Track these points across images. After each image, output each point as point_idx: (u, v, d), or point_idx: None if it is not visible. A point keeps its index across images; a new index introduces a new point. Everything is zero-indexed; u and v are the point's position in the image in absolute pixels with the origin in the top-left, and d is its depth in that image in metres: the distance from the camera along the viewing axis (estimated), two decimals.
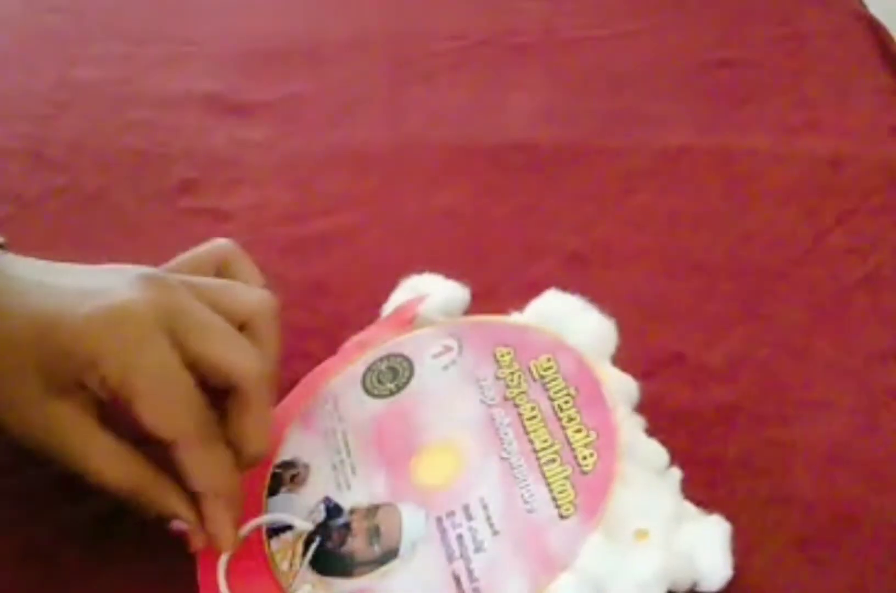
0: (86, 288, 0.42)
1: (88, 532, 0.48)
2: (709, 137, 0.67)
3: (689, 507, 0.44)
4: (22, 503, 0.49)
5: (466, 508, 0.43)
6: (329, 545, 0.43)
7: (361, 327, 0.52)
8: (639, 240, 0.61)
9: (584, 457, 0.43)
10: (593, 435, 0.44)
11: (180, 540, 0.44)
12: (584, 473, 0.43)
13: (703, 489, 0.45)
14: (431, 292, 0.51)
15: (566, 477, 0.43)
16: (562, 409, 0.45)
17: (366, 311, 0.52)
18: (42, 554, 0.47)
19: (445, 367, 0.48)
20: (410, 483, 0.44)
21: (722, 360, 0.54)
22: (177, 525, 0.43)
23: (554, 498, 0.42)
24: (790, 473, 0.49)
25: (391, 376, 0.49)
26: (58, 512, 0.49)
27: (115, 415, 0.42)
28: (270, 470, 0.46)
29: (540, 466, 0.43)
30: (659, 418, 0.47)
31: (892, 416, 0.51)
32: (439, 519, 0.43)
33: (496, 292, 0.54)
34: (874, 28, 0.76)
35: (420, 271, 0.53)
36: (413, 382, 0.48)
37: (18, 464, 0.51)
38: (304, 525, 0.44)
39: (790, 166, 0.65)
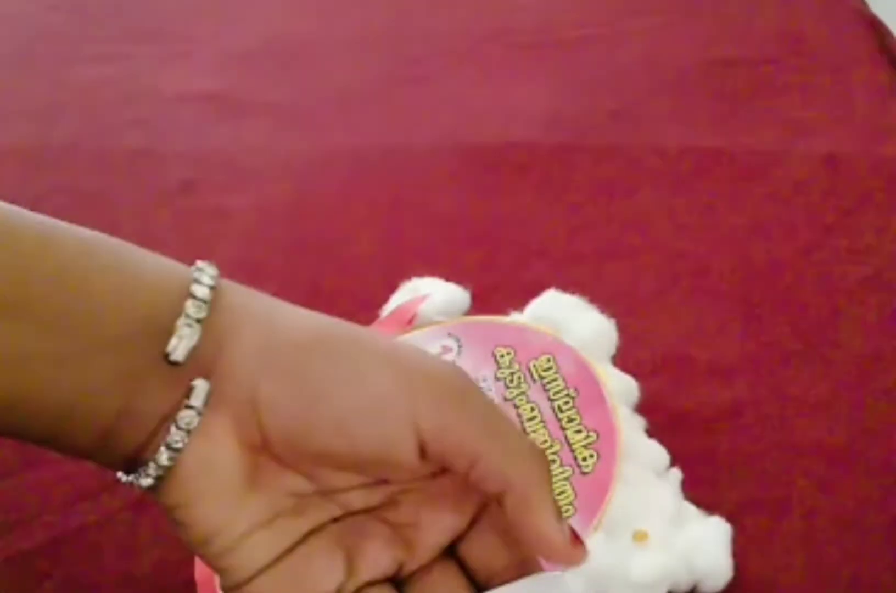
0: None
1: (89, 533, 0.48)
2: (709, 137, 0.67)
3: (690, 508, 0.43)
4: (23, 504, 0.49)
5: None
6: None
7: None
8: (639, 240, 0.61)
9: (584, 458, 0.43)
10: (593, 435, 0.44)
11: None
12: (584, 474, 0.42)
13: (703, 490, 0.44)
14: (431, 293, 0.51)
15: (566, 479, 0.42)
16: (562, 410, 0.45)
17: (365, 312, 0.52)
18: (44, 554, 0.47)
19: None
20: None
21: (722, 360, 0.54)
22: None
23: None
24: (790, 474, 0.48)
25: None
26: (59, 514, 0.49)
27: None
28: None
29: None
30: (659, 418, 0.47)
31: (892, 417, 0.51)
32: None
33: (496, 292, 0.54)
34: (875, 27, 0.76)
35: (420, 271, 0.53)
36: None
37: (18, 465, 0.51)
38: None
39: (791, 166, 0.65)
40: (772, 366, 0.53)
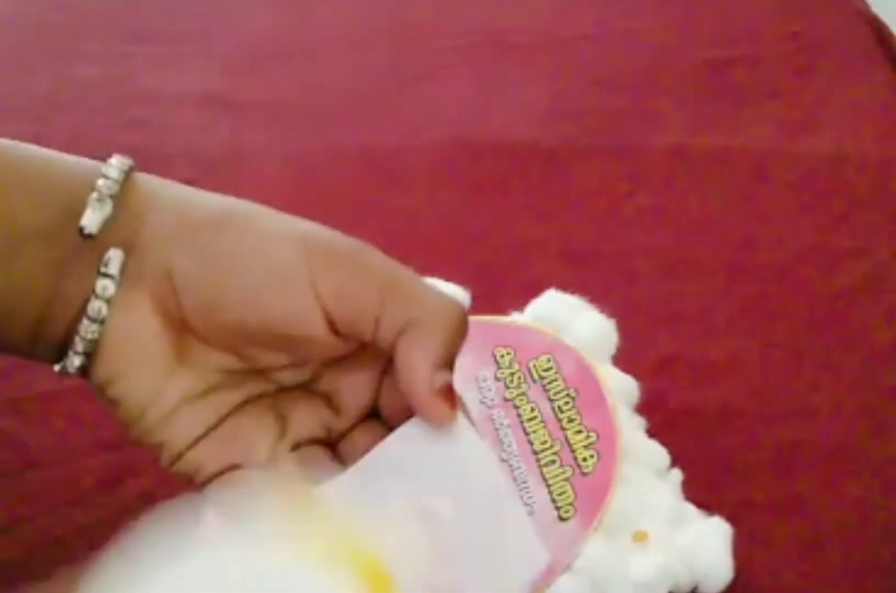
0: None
1: (89, 533, 0.48)
2: (709, 137, 0.67)
3: (690, 509, 0.43)
4: (23, 504, 0.49)
5: None
6: None
7: None
8: (639, 240, 0.61)
9: (585, 459, 0.43)
10: (594, 436, 0.44)
11: None
12: (585, 475, 0.42)
13: (703, 490, 0.44)
14: None
15: (566, 479, 0.42)
16: (562, 410, 0.45)
17: None
18: (44, 554, 0.47)
19: None
20: None
21: (722, 360, 0.54)
22: None
23: (554, 500, 0.42)
24: (791, 474, 0.48)
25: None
26: (58, 514, 0.49)
27: None
28: None
29: (540, 468, 0.43)
30: (659, 418, 0.47)
31: (893, 417, 0.51)
32: None
33: (496, 292, 0.54)
34: (876, 26, 0.76)
35: (420, 271, 0.53)
36: None
37: (18, 465, 0.51)
38: None
39: (791, 165, 0.65)
40: (772, 366, 0.53)
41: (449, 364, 0.34)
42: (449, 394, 0.34)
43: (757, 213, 0.62)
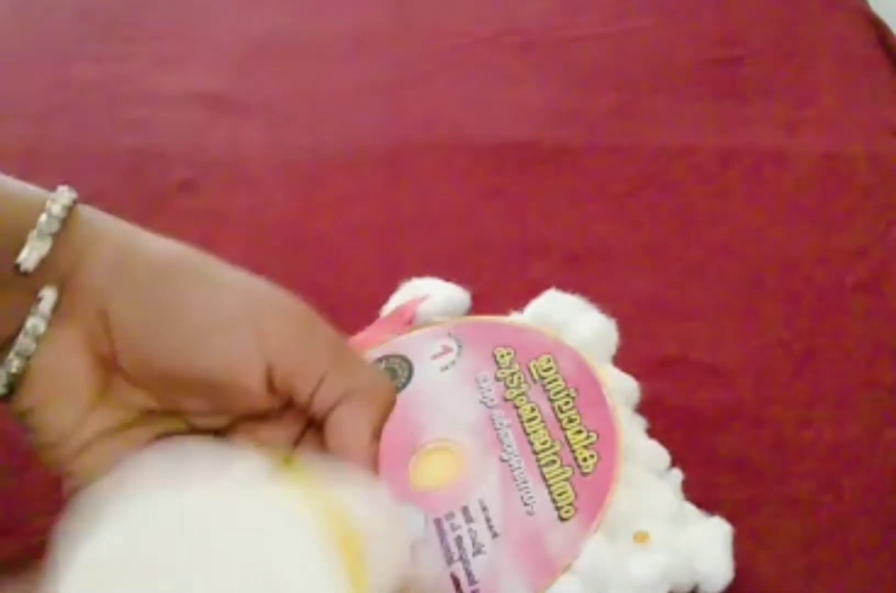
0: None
1: None
2: (710, 136, 0.67)
3: (690, 509, 0.43)
4: (23, 504, 0.49)
5: (466, 510, 0.43)
6: None
7: (361, 328, 0.52)
8: (639, 240, 0.61)
9: (585, 459, 0.43)
10: (594, 436, 0.43)
11: None
12: (585, 475, 0.42)
13: (704, 490, 0.44)
14: (431, 293, 0.51)
15: (566, 479, 0.42)
16: (562, 410, 0.45)
17: (365, 312, 0.52)
18: (44, 553, 0.47)
19: (445, 368, 0.48)
20: (409, 484, 0.44)
21: (722, 360, 0.54)
22: None
23: (554, 500, 0.42)
24: (792, 474, 0.48)
25: (390, 377, 0.48)
26: (59, 514, 0.48)
27: None
28: None
29: (540, 468, 0.43)
30: (659, 418, 0.47)
31: (893, 416, 0.51)
32: (438, 521, 0.43)
33: (496, 292, 0.54)
34: (876, 26, 0.76)
35: (420, 271, 0.53)
36: (412, 383, 0.48)
37: (18, 465, 0.51)
38: None
39: (792, 165, 0.65)
40: (772, 366, 0.53)
41: (379, 435, 0.37)
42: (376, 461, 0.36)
43: (757, 213, 0.62)
